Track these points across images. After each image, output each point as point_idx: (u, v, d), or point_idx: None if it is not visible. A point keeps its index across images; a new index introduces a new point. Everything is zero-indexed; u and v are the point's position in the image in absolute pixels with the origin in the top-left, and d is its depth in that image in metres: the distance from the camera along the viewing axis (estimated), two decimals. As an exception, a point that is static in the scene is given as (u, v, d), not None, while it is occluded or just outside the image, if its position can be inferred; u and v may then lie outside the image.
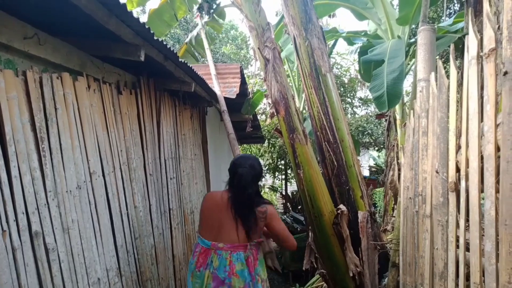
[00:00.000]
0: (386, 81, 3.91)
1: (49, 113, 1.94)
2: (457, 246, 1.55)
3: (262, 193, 2.64)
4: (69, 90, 2.13)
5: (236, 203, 2.27)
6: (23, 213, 1.70)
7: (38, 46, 1.97)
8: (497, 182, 1.18)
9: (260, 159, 11.48)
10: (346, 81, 9.98)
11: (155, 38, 2.53)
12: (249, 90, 6.78)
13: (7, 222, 1.60)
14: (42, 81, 1.92)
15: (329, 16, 7.52)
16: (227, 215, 2.28)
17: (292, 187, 12.51)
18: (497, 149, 1.21)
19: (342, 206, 3.05)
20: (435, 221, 1.77)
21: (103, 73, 2.62)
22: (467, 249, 1.42)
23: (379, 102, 3.94)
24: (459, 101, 1.59)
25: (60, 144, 2.01)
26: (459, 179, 1.53)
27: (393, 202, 5.25)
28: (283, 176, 11.68)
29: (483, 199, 1.29)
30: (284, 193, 11.79)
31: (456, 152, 1.58)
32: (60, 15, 1.99)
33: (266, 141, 10.25)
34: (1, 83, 1.64)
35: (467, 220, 1.44)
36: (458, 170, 1.56)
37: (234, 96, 5.47)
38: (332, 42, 6.92)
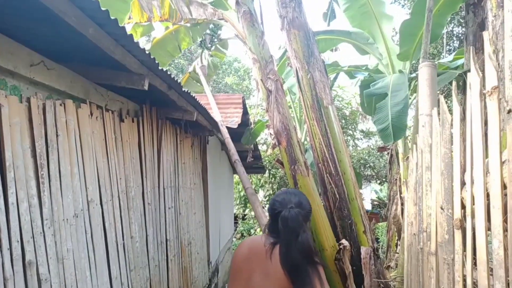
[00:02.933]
0: (390, 114, 3.94)
1: (50, 139, 1.93)
2: (464, 286, 1.49)
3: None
4: (72, 117, 2.14)
5: (285, 254, 1.68)
6: (17, 241, 1.65)
7: (43, 73, 1.99)
8: (505, 220, 1.15)
9: (260, 189, 11.37)
10: (347, 113, 10.06)
11: (160, 68, 2.56)
12: (251, 120, 6.82)
13: (1, 250, 1.55)
14: (45, 108, 1.92)
15: (332, 50, 7.68)
16: (267, 269, 1.72)
17: (293, 219, 12.30)
18: (504, 186, 1.18)
19: (344, 241, 2.98)
20: (440, 259, 1.72)
21: (106, 101, 2.64)
22: (476, 290, 1.37)
23: (384, 135, 3.96)
24: (462, 137, 1.58)
25: (60, 171, 1.99)
26: (464, 216, 1.50)
27: (396, 237, 5.16)
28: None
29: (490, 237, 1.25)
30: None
31: (461, 188, 1.55)
32: (66, 44, 2.02)
33: (267, 171, 10.21)
34: (5, 109, 1.65)
35: (474, 258, 1.40)
36: (463, 206, 1.53)
37: (235, 126, 5.49)
38: (333, 75, 7.03)
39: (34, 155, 1.83)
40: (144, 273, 2.95)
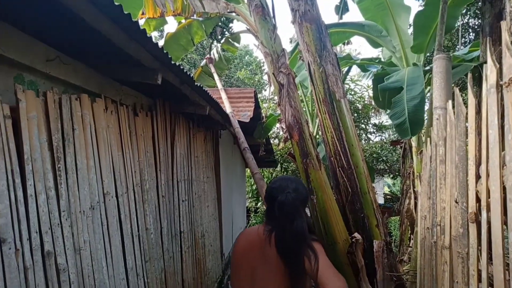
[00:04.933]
0: (407, 108, 3.89)
1: (66, 133, 1.97)
2: (479, 280, 1.48)
3: None
4: (87, 111, 2.17)
5: (280, 240, 1.69)
6: (36, 232, 1.70)
7: (59, 68, 2.03)
8: (521, 214, 1.14)
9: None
10: (360, 107, 9.98)
11: (173, 62, 2.58)
12: (263, 114, 6.83)
13: (21, 241, 1.60)
14: (61, 102, 1.96)
15: (344, 44, 7.61)
16: (266, 258, 1.71)
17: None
18: (520, 179, 1.17)
19: (357, 235, 2.97)
20: (454, 253, 1.71)
21: (120, 96, 2.67)
22: (491, 284, 1.36)
23: (401, 130, 3.91)
24: (477, 130, 1.56)
25: (76, 164, 2.03)
26: (479, 210, 1.48)
27: (409, 231, 5.12)
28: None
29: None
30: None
31: (476, 182, 1.53)
32: (81, 39, 2.05)
33: (279, 165, 10.21)
34: (22, 103, 1.69)
35: (489, 252, 1.38)
36: (478, 200, 1.51)
37: (247, 120, 5.51)
38: (346, 68, 6.97)
39: (51, 148, 1.87)
40: (159, 264, 3.00)
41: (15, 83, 1.75)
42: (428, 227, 2.23)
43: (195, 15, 5.14)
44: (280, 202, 1.71)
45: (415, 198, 4.73)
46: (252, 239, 1.78)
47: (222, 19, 6.34)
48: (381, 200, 13.40)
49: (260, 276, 1.71)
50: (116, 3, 1.77)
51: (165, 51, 2.40)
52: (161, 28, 6.33)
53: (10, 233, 1.55)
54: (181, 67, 2.80)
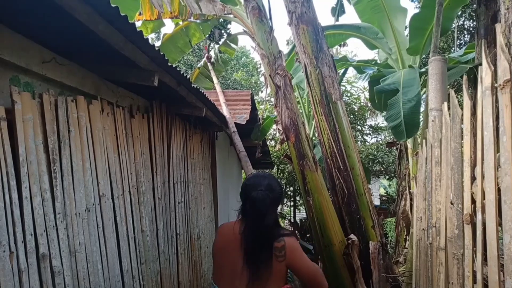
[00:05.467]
0: (402, 111, 3.92)
1: (62, 135, 1.97)
2: (474, 281, 1.48)
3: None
4: (83, 113, 2.17)
5: (248, 238, 1.70)
6: (31, 234, 1.69)
7: (55, 69, 2.02)
8: (516, 215, 1.15)
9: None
10: (356, 108, 10.00)
11: (169, 64, 2.58)
12: (259, 116, 6.84)
13: (15, 243, 1.59)
14: (57, 104, 1.95)
15: (340, 45, 7.64)
16: (241, 255, 1.72)
17: (301, 214, 12.35)
18: (515, 181, 1.17)
19: (353, 236, 2.98)
20: (450, 254, 1.71)
21: (117, 97, 2.66)
22: (485, 285, 1.36)
23: (397, 132, 3.94)
24: (472, 131, 1.57)
25: (72, 166, 2.02)
26: (475, 211, 1.49)
27: (405, 233, 5.14)
28: (292, 203, 11.56)
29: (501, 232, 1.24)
30: (292, 221, 11.63)
31: (471, 183, 1.54)
32: (77, 40, 2.04)
33: (275, 166, 10.22)
34: (18, 105, 1.68)
35: (484, 254, 1.39)
36: (473, 201, 1.52)
37: (244, 122, 5.51)
38: (342, 70, 6.99)
39: (46, 151, 1.86)
40: (155, 266, 2.99)
41: (10, 85, 1.74)
42: (423, 229, 2.24)
43: (192, 17, 5.15)
44: (252, 199, 1.71)
45: (411, 199, 4.75)
46: (228, 237, 1.78)
47: (219, 21, 6.35)
48: (377, 202, 13.43)
49: (239, 274, 1.70)
50: (113, 5, 1.76)
51: (162, 53, 2.40)
52: (158, 30, 6.30)
53: (4, 236, 1.54)
54: (178, 69, 2.79)
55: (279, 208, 12.69)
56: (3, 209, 1.54)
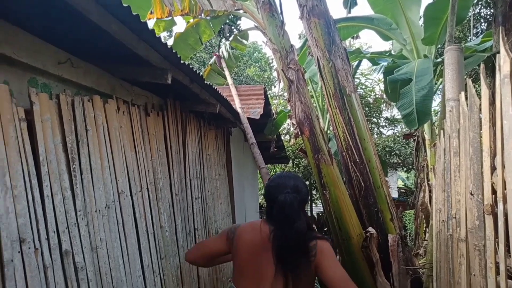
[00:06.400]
0: (415, 99, 3.88)
1: (80, 134, 2.00)
2: (497, 273, 1.46)
3: None
4: (100, 112, 2.20)
5: (279, 242, 1.59)
6: (54, 231, 1.74)
7: (71, 70, 2.06)
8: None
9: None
10: (371, 101, 9.88)
11: (182, 62, 2.59)
12: (273, 110, 6.82)
13: (39, 240, 1.64)
14: (74, 104, 1.99)
15: (353, 38, 7.54)
16: (269, 259, 1.61)
17: (318, 208, 12.31)
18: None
19: (371, 229, 2.96)
20: (471, 245, 1.69)
21: (132, 96, 2.70)
22: (509, 276, 1.34)
23: (409, 120, 3.90)
24: (491, 121, 1.53)
25: (90, 165, 2.06)
26: (495, 201, 1.46)
27: (424, 225, 5.07)
28: (308, 197, 11.51)
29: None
30: (309, 215, 11.60)
31: (491, 173, 1.51)
32: (91, 41, 2.08)
33: (290, 161, 10.19)
34: (36, 106, 1.72)
35: (507, 244, 1.36)
36: (494, 191, 1.49)
37: (258, 117, 5.51)
38: (356, 62, 6.91)
39: (65, 150, 1.90)
40: (175, 261, 3.03)
41: (28, 87, 1.79)
42: (443, 220, 2.20)
43: (202, 14, 5.16)
44: (280, 203, 1.61)
45: (430, 191, 4.68)
46: (254, 238, 1.67)
47: (230, 17, 6.35)
48: (395, 194, 13.28)
49: (269, 279, 1.61)
50: (125, 5, 1.78)
51: (174, 51, 2.42)
52: (170, 28, 6.35)
53: (29, 233, 1.58)
54: (190, 66, 2.81)
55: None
56: (27, 208, 1.59)
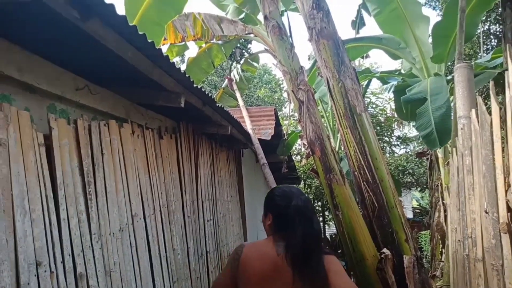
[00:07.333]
0: (433, 118, 3.86)
1: (96, 158, 2.05)
2: (516, 294, 1.42)
3: None
4: (115, 136, 2.26)
5: (301, 249, 1.48)
6: (69, 255, 1.76)
7: (88, 96, 2.13)
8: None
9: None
10: (382, 120, 9.86)
11: (195, 85, 2.66)
12: (284, 131, 6.86)
13: (55, 263, 1.66)
14: (91, 128, 2.05)
15: (362, 58, 7.62)
16: (285, 280, 1.49)
17: (331, 229, 12.12)
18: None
19: (386, 250, 2.91)
20: (488, 265, 1.65)
21: (146, 120, 2.76)
22: (528, 296, 1.31)
23: (429, 140, 3.87)
24: (504, 138, 1.53)
25: (105, 188, 2.10)
26: (511, 220, 1.44)
27: (440, 245, 4.95)
28: (321, 218, 11.37)
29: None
30: (322, 236, 11.42)
31: (506, 191, 1.50)
32: (107, 67, 2.15)
33: (302, 181, 10.14)
34: (55, 131, 1.78)
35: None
36: (509, 209, 1.47)
37: (269, 138, 5.54)
38: (365, 82, 6.95)
39: (82, 173, 1.94)
40: (187, 284, 3.01)
41: (48, 113, 1.85)
42: (459, 240, 2.16)
43: (214, 39, 5.29)
44: (298, 207, 1.54)
45: (445, 210, 4.60)
46: (264, 264, 1.53)
47: (240, 41, 6.50)
48: (409, 214, 13.02)
49: None
50: (140, 32, 1.86)
51: (187, 75, 2.48)
52: (183, 53, 6.53)
53: (45, 256, 1.61)
54: (203, 90, 2.87)
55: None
56: (44, 231, 1.62)
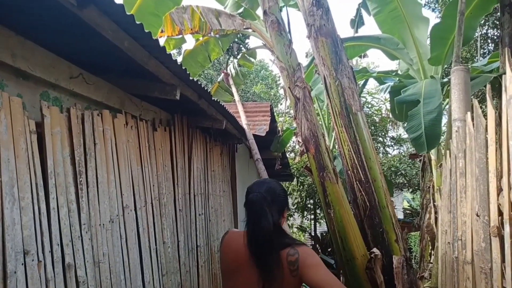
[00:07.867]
0: (423, 122, 3.88)
1: (88, 148, 2.03)
2: (504, 297, 1.43)
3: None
4: (108, 126, 2.23)
5: (251, 244, 1.54)
6: (58, 244, 1.74)
7: (82, 85, 2.10)
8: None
9: (288, 197, 11.27)
10: (377, 120, 9.89)
11: (191, 78, 2.64)
12: (279, 128, 6.86)
13: (43, 252, 1.64)
14: (84, 118, 2.02)
15: (360, 57, 7.62)
16: (250, 265, 1.54)
17: (322, 227, 12.18)
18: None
19: (375, 250, 2.92)
20: (477, 268, 1.66)
21: (140, 111, 2.74)
22: (515, 300, 1.32)
23: (417, 144, 3.89)
24: (497, 141, 1.53)
25: (97, 178, 2.08)
26: (502, 223, 1.45)
27: (430, 247, 4.99)
28: (312, 216, 11.42)
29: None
30: (313, 234, 11.47)
31: (498, 194, 1.50)
32: (103, 56, 2.12)
33: (295, 179, 10.16)
34: (47, 119, 1.75)
35: (513, 268, 1.34)
36: (500, 213, 1.48)
37: (263, 134, 5.53)
38: (362, 81, 6.96)
39: (73, 163, 1.92)
40: (176, 278, 3.01)
41: (40, 100, 1.82)
42: (449, 242, 2.18)
43: (212, 33, 5.25)
44: (249, 202, 1.59)
45: (436, 212, 4.63)
46: (238, 251, 1.59)
47: (238, 35, 6.47)
48: (400, 215, 13.11)
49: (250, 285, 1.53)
50: (137, 22, 1.83)
51: (183, 68, 2.46)
52: (180, 46, 6.49)
53: (33, 245, 1.59)
54: (199, 83, 2.85)
55: (298, 222, 12.51)
56: (32, 220, 1.60)
